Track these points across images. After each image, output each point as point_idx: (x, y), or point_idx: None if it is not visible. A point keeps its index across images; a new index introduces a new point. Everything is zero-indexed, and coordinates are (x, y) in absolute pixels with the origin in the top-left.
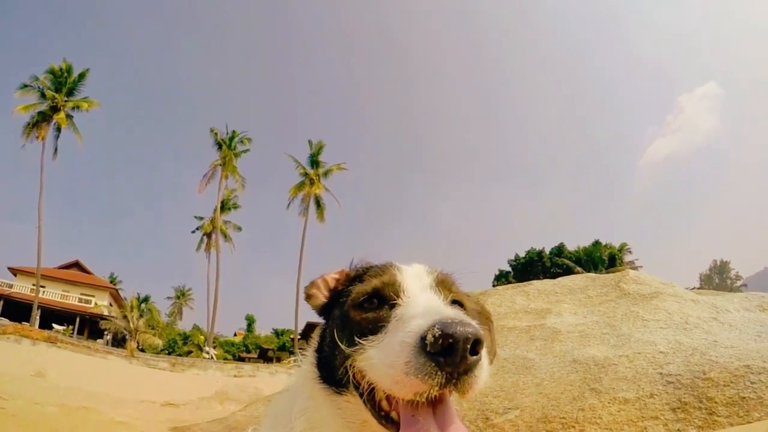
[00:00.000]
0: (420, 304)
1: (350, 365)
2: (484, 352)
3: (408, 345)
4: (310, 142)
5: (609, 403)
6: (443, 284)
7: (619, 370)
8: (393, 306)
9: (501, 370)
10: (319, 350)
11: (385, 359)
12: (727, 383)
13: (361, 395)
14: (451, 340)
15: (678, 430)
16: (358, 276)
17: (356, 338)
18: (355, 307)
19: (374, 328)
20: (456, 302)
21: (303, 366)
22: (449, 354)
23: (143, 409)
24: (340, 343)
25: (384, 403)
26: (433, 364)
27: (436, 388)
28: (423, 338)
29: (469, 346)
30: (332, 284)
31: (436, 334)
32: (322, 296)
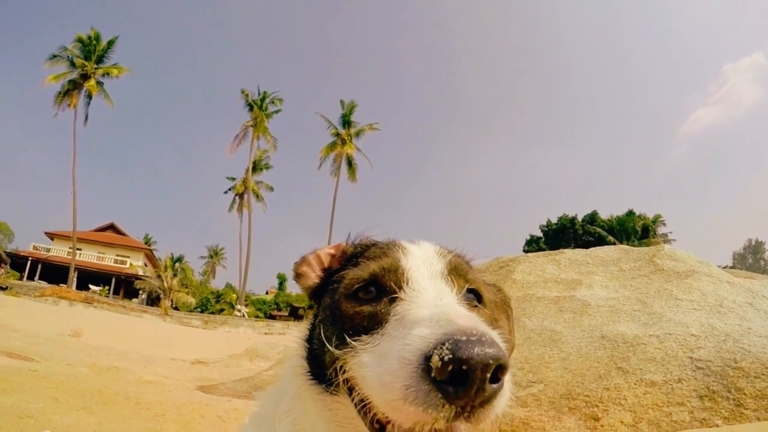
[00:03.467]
0: (426, 302)
1: (340, 368)
2: (507, 376)
3: (408, 364)
4: (342, 101)
5: (635, 384)
6: (456, 271)
7: (648, 350)
8: (394, 299)
9: (527, 341)
10: (308, 340)
11: (381, 376)
12: (758, 375)
13: (354, 402)
14: (465, 367)
15: (703, 419)
16: (356, 255)
17: (347, 337)
18: (347, 297)
19: (369, 326)
20: (471, 292)
21: (292, 358)
22: (462, 384)
23: (173, 368)
24: (327, 343)
25: (381, 415)
26: (440, 395)
27: (443, 422)
28: (428, 358)
29: (489, 375)
30: (327, 262)
31: (446, 358)
32: (314, 276)
